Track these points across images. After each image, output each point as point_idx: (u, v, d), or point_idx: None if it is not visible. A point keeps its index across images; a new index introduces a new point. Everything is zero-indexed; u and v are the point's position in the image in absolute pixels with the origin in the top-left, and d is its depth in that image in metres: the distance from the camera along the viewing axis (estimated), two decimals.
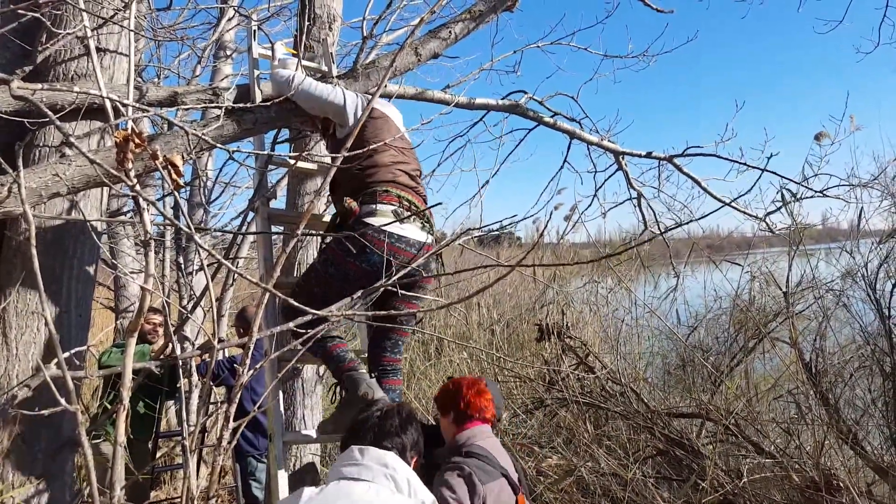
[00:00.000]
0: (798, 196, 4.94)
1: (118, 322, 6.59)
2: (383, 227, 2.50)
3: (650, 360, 6.73)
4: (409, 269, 2.31)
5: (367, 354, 2.86)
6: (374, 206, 2.55)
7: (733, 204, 5.11)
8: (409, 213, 2.57)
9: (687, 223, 5.17)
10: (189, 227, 2.40)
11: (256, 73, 3.21)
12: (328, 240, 2.66)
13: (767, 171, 4.67)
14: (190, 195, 6.70)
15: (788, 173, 4.94)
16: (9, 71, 2.97)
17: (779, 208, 5.24)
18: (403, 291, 2.43)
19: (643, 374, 6.28)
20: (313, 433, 2.88)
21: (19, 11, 2.94)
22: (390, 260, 2.50)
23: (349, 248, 2.49)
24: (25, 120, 2.56)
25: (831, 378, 4.70)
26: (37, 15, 2.54)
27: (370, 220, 2.53)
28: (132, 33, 2.69)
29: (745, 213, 5.09)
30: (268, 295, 2.40)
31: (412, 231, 2.59)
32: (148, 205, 2.05)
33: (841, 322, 5.25)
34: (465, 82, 4.76)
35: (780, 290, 5.51)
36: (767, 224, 5.22)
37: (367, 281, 2.52)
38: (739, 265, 6.11)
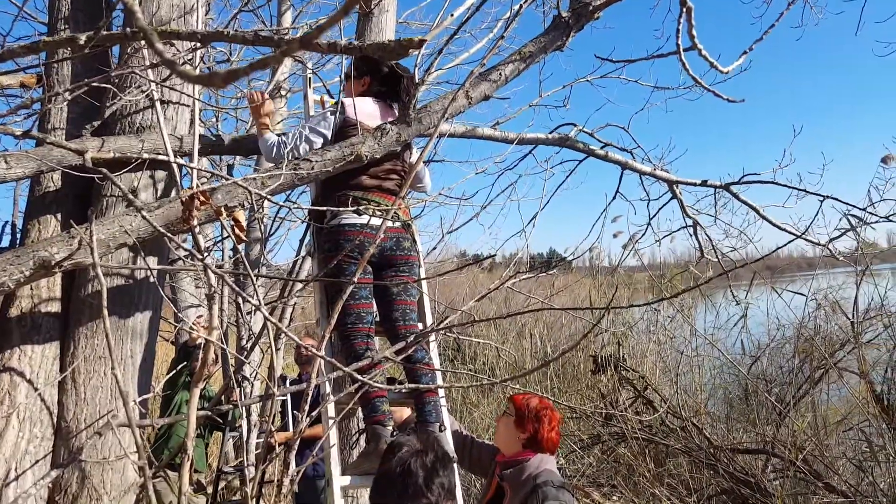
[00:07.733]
0: (864, 221, 4.76)
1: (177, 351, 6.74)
2: (344, 222, 2.83)
3: (711, 392, 6.52)
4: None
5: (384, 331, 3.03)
6: (339, 210, 2.85)
7: (793, 230, 4.95)
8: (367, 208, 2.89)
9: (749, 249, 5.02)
10: (249, 273, 2.45)
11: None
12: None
13: (829, 197, 4.53)
14: (248, 231, 6.84)
15: (850, 197, 4.78)
16: (79, 124, 3.12)
17: (843, 233, 5.06)
18: (392, 267, 2.91)
19: (704, 407, 6.08)
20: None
21: (88, 70, 3.11)
22: (364, 244, 2.79)
23: (334, 246, 2.79)
24: (94, 175, 2.67)
25: None
26: (107, 86, 2.65)
27: (336, 221, 2.85)
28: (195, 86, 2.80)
29: (808, 240, 4.93)
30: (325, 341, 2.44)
31: (373, 221, 2.86)
32: (211, 261, 2.10)
33: None
34: (513, 118, 4.77)
35: (847, 318, 5.30)
36: (831, 251, 5.04)
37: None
38: (803, 295, 5.89)
